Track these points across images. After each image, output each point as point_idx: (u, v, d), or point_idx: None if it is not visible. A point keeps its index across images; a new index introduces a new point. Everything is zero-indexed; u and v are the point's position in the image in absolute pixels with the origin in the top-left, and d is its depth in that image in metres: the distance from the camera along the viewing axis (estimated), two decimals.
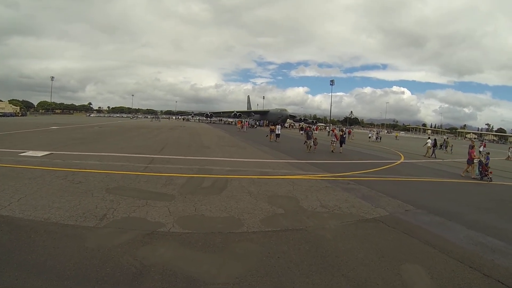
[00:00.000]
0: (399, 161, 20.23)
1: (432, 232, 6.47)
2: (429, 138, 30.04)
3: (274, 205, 7.57)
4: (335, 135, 25.56)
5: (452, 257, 5.19)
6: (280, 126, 35.14)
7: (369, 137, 48.59)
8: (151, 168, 11.74)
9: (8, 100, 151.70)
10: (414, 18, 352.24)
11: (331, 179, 11.73)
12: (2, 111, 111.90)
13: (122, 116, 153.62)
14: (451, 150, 33.99)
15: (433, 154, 26.03)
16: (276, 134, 31.78)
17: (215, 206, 7.23)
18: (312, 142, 22.23)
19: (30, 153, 13.57)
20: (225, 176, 10.80)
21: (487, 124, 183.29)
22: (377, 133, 52.65)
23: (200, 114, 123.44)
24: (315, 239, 5.58)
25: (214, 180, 10.09)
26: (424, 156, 25.67)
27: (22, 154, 13.22)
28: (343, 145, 24.49)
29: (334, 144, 23.98)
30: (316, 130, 32.41)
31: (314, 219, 6.79)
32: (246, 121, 68.86)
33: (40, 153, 13.53)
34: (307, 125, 61.30)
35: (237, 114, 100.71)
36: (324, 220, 6.75)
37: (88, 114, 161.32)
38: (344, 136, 26.28)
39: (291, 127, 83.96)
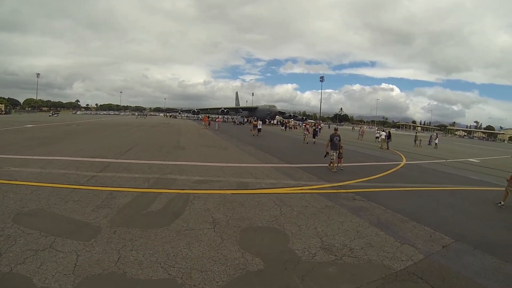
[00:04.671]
0: (402, 163, 17.70)
1: None
2: (383, 131, 34.88)
3: (248, 251, 4.83)
4: (307, 129, 30.49)
5: None
6: (261, 122, 40.87)
7: (376, 137, 39.44)
8: (98, 178, 9.19)
9: None
10: (401, 15, 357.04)
11: (331, 192, 9.10)
12: None
13: (109, 114, 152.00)
14: (420, 144, 36.72)
15: (387, 146, 28.19)
16: (258, 128, 36.06)
17: (152, 253, 4.55)
18: (337, 154, 13.40)
19: None
20: (187, 192, 8.07)
21: (476, 122, 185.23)
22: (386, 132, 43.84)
23: (188, 111, 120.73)
24: None
25: (170, 199, 7.36)
26: (380, 148, 27.67)
27: None
28: (315, 137, 30.07)
29: (307, 137, 28.70)
30: (306, 126, 31.16)
31: (313, 281, 4.06)
32: (218, 118, 64.26)
33: None
34: (319, 126, 57.26)
35: (225, 110, 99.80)
36: (331, 284, 4.05)
37: (74, 112, 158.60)
38: (316, 130, 32.57)
39: (294, 127, 74.77)
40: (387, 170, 14.15)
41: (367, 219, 6.74)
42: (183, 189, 8.31)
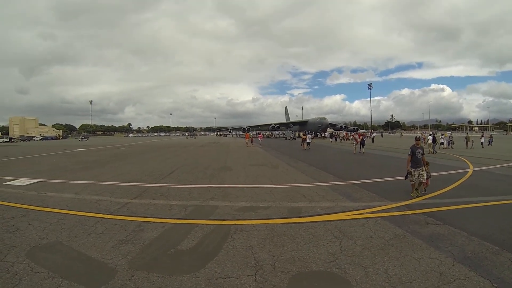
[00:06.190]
0: (469, 170, 15.59)
1: None
2: (430, 134, 33.48)
3: None
4: (355, 139, 30.60)
5: None
6: (310, 135, 41.01)
7: (442, 143, 34.19)
8: (130, 206, 8.56)
9: (52, 125, 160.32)
10: (443, 9, 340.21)
11: (397, 214, 7.60)
12: (45, 134, 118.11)
13: (160, 135, 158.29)
14: (472, 145, 35.02)
15: (434, 149, 27.62)
16: (307, 142, 36.24)
17: None
18: (423, 173, 9.77)
19: (17, 181, 12.67)
20: (228, 223, 6.92)
21: None
22: (450, 137, 37.22)
23: (238, 129, 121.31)
24: None
25: (207, 232, 6.25)
26: (428, 153, 24.75)
27: (7, 183, 12.39)
28: (363, 146, 29.20)
29: (356, 147, 29.27)
30: (359, 137, 29.86)
31: None
32: (260, 134, 61.83)
33: (27, 182, 12.54)
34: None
35: (275, 126, 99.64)
36: None
37: (126, 135, 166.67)
38: (363, 139, 30.65)
39: (346, 139, 65.35)
40: (456, 181, 12.23)
41: (449, 252, 5.21)
42: (223, 220, 7.19)
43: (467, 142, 35.76)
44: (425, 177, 9.66)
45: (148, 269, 4.58)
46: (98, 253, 5.20)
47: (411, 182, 9.84)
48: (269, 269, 4.59)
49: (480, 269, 4.60)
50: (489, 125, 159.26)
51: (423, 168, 9.77)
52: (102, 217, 7.35)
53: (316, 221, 7.04)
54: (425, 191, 9.90)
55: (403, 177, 10.14)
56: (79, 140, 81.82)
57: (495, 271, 4.56)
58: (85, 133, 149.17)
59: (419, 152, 9.89)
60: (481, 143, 36.79)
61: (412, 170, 9.75)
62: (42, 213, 7.82)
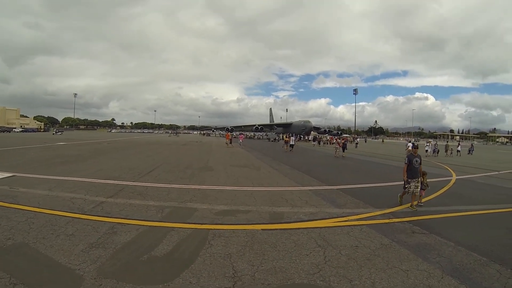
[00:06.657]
0: (452, 178, 15.70)
1: None
2: (410, 142, 37.07)
3: None
4: (338, 143, 31.13)
5: None
6: (294, 137, 39.70)
7: (426, 151, 34.93)
8: (105, 205, 8.11)
9: (34, 117, 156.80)
10: (430, 20, 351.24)
11: (382, 222, 7.38)
12: (26, 126, 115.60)
13: (144, 132, 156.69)
14: (451, 153, 36.97)
15: None
16: (290, 144, 35.74)
17: None
18: (419, 185, 9.19)
19: None
20: (206, 227, 6.54)
21: None
22: (435, 145, 37.62)
23: (222, 128, 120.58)
24: None
25: (184, 237, 5.88)
26: None
27: None
28: (345, 150, 30.67)
29: (338, 151, 30.22)
30: (337, 141, 30.62)
31: None
32: (241, 134, 61.01)
33: (0, 175, 11.91)
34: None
35: (259, 127, 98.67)
36: None
37: (109, 130, 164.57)
38: (345, 143, 31.88)
39: (330, 143, 63.94)
40: (440, 189, 12.19)
41: (438, 264, 5.00)
42: (201, 224, 6.80)
43: (446, 150, 37.55)
44: (419, 189, 9.14)
45: (117, 277, 4.22)
46: (65, 257, 4.81)
47: (404, 191, 9.37)
48: (248, 281, 4.25)
49: (469, 281, 4.44)
50: (470, 135, 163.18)
51: (419, 179, 9.23)
52: (74, 217, 6.91)
53: (298, 228, 6.74)
54: (422, 203, 9.39)
55: (388, 184, 9.97)
56: (53, 134, 79.75)
57: (485, 283, 4.41)
58: (61, 127, 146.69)
59: (416, 161, 9.27)
60: (458, 151, 38.84)
61: (408, 180, 9.18)
62: (12, 210, 7.33)
